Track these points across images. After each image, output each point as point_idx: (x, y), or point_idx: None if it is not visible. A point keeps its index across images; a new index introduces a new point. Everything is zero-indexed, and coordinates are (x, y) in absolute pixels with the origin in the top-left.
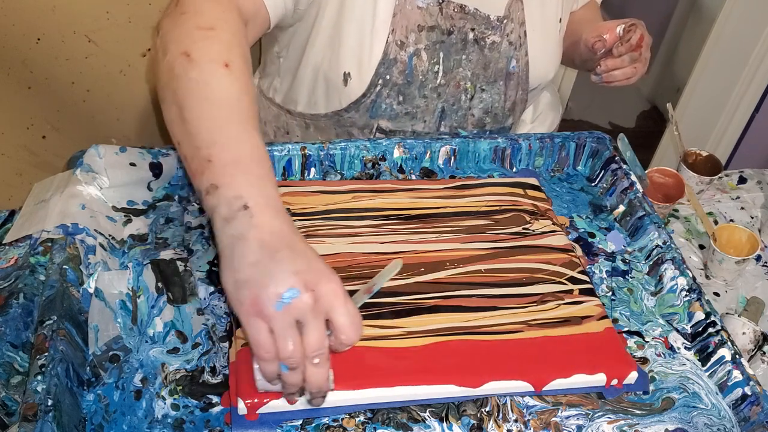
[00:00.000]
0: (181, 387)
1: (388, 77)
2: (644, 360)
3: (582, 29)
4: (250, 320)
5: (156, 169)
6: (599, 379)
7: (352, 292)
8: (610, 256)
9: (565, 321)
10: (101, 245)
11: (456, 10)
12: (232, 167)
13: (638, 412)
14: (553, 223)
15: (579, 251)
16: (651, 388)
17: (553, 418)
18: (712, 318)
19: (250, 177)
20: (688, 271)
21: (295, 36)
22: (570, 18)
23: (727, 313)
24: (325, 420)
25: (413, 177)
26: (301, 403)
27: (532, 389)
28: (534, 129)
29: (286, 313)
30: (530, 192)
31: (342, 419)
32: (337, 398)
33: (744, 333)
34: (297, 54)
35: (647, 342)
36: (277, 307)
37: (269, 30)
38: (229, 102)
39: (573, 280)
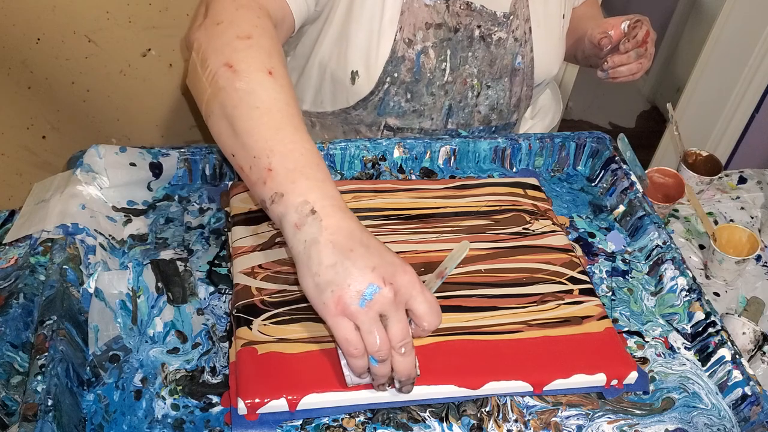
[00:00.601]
0: (181, 387)
1: (396, 75)
2: (644, 360)
3: (584, 25)
4: (337, 320)
5: (156, 169)
6: (599, 379)
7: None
8: (610, 256)
9: (565, 321)
10: (101, 245)
11: (462, 7)
12: (294, 174)
13: (638, 412)
14: (553, 223)
15: (579, 251)
16: (651, 388)
17: (553, 418)
18: (712, 318)
19: (312, 182)
20: (688, 271)
21: (304, 35)
22: (572, 14)
23: (727, 313)
24: (325, 420)
25: (413, 177)
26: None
27: (532, 389)
28: (534, 125)
29: (370, 309)
30: (530, 192)
31: (342, 419)
32: (337, 399)
33: (744, 333)
34: (305, 53)
35: (647, 342)
36: (360, 305)
37: (293, 34)
38: (279, 109)
39: (573, 280)
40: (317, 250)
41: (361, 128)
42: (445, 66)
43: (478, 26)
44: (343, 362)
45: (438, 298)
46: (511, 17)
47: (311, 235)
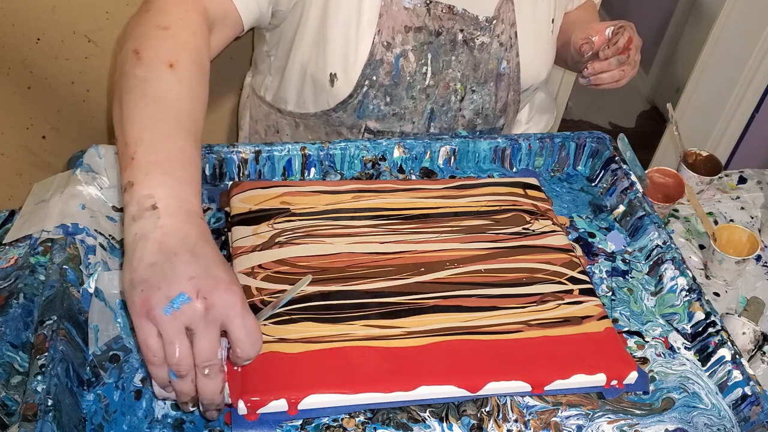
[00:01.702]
0: None
1: (374, 78)
2: (644, 360)
3: (573, 30)
4: (141, 322)
5: None
6: (599, 379)
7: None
8: (610, 256)
9: (565, 321)
10: (101, 245)
11: (444, 10)
12: (152, 167)
13: (638, 412)
14: (553, 223)
15: (579, 251)
16: (651, 388)
17: (553, 418)
18: (712, 318)
19: (167, 178)
20: (688, 271)
21: (282, 36)
22: (564, 18)
23: (727, 313)
24: (325, 420)
25: (413, 177)
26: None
27: (532, 389)
28: (529, 129)
29: (174, 319)
30: (530, 192)
31: (342, 419)
32: (337, 399)
33: (744, 333)
34: (284, 54)
35: (647, 342)
36: (165, 311)
37: (243, 33)
38: (167, 102)
39: (573, 280)
40: (143, 246)
41: (342, 130)
42: (426, 70)
43: (461, 30)
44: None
45: (438, 297)
46: (494, 21)
47: (143, 230)
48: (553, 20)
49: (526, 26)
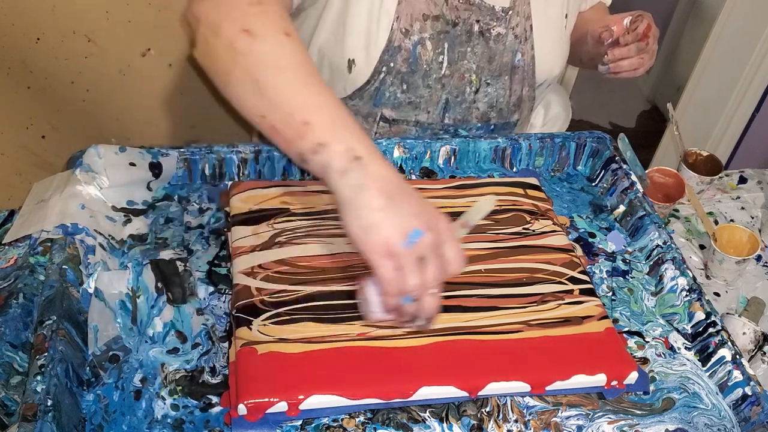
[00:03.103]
0: (180, 387)
1: (392, 65)
2: (644, 360)
3: (588, 27)
4: (381, 260)
5: (156, 169)
6: (599, 379)
7: None
8: (611, 256)
9: (566, 321)
10: (101, 245)
11: (461, 0)
12: (333, 125)
13: (638, 412)
14: (553, 223)
15: (579, 251)
16: (651, 388)
17: (553, 418)
18: (713, 318)
19: (351, 131)
20: (689, 271)
21: (305, 21)
22: (578, 17)
23: (727, 313)
24: (325, 420)
25: (413, 177)
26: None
27: (533, 389)
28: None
29: (413, 252)
30: (530, 192)
31: (342, 419)
32: (337, 399)
33: (744, 333)
34: (305, 39)
35: (647, 342)
36: (405, 246)
37: (293, 10)
38: (303, 67)
39: (573, 280)
40: (365, 194)
41: (358, 119)
42: (443, 59)
43: (477, 21)
44: (372, 299)
45: None
46: (510, 12)
47: (358, 180)
48: (566, 16)
49: (540, 20)
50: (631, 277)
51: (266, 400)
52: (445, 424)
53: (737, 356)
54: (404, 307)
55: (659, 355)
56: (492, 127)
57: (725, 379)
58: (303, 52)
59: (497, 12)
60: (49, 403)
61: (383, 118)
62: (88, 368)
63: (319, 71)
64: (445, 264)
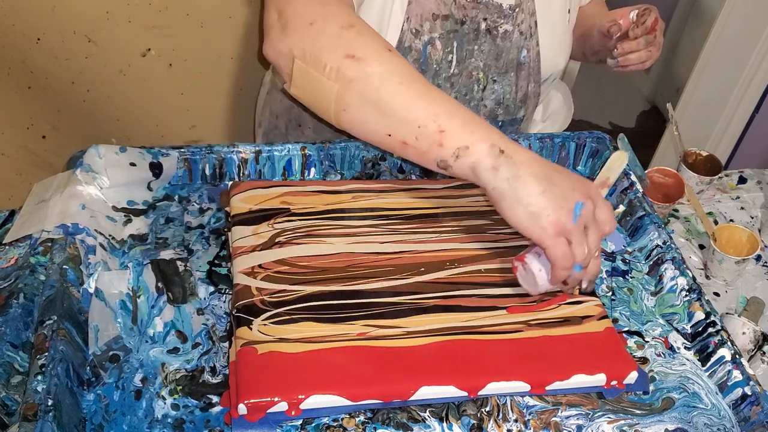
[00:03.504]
0: (181, 387)
1: None
2: (644, 360)
3: (591, 21)
4: (555, 240)
5: (156, 169)
6: (599, 379)
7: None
8: (610, 256)
9: (565, 321)
10: (101, 245)
11: None
12: (468, 126)
13: (638, 412)
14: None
15: None
16: (651, 388)
17: (553, 418)
18: (712, 318)
19: (484, 128)
20: (688, 271)
21: None
22: (579, 12)
23: (727, 313)
24: (325, 420)
25: (413, 177)
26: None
27: (532, 389)
28: (545, 128)
29: (580, 224)
30: None
31: (342, 419)
32: (337, 399)
33: (744, 333)
34: None
35: (647, 342)
36: (574, 221)
37: None
38: (417, 78)
39: None
40: (522, 184)
41: None
42: (452, 58)
43: (484, 19)
44: (538, 273)
45: (438, 297)
46: (517, 10)
47: (512, 172)
48: (569, 11)
49: (544, 16)
50: (631, 277)
51: (266, 399)
52: (445, 424)
53: (737, 356)
54: (574, 275)
55: (659, 355)
56: (500, 123)
57: (725, 378)
58: (408, 64)
59: (504, 10)
60: (49, 403)
61: None
62: (88, 368)
63: None
64: (600, 226)
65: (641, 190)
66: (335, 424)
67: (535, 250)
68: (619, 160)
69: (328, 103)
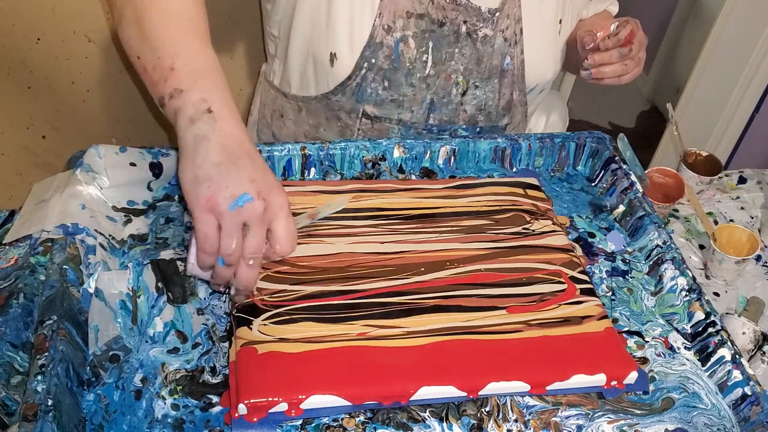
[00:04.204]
0: (181, 387)
1: (373, 61)
2: (644, 360)
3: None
4: (203, 215)
5: (156, 169)
6: (599, 379)
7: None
8: (610, 256)
9: (565, 321)
10: (101, 245)
11: (448, 0)
12: (196, 75)
13: (638, 412)
14: (553, 223)
15: (579, 251)
16: (651, 388)
17: (553, 418)
18: (712, 318)
19: (212, 85)
20: (688, 271)
21: (285, 15)
22: (579, 24)
23: (727, 313)
24: (325, 420)
25: (413, 177)
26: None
27: (532, 389)
28: None
29: (237, 215)
30: (530, 192)
31: (342, 419)
32: (337, 399)
33: (744, 333)
34: (285, 32)
35: (647, 342)
36: (230, 208)
37: None
38: (188, 17)
39: (573, 280)
40: (206, 146)
41: (341, 114)
42: (427, 58)
43: (464, 21)
44: (192, 251)
45: (438, 297)
46: (498, 14)
47: (203, 132)
48: (560, 21)
49: (532, 24)
50: (631, 277)
51: (266, 399)
52: (445, 424)
53: (737, 356)
54: (218, 269)
55: (659, 355)
56: (478, 129)
57: (725, 378)
58: (197, 6)
59: (483, 13)
60: (49, 403)
61: (365, 115)
62: (88, 368)
63: (304, 66)
64: (272, 240)
65: (641, 190)
66: (335, 424)
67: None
68: (341, 201)
69: (113, 11)
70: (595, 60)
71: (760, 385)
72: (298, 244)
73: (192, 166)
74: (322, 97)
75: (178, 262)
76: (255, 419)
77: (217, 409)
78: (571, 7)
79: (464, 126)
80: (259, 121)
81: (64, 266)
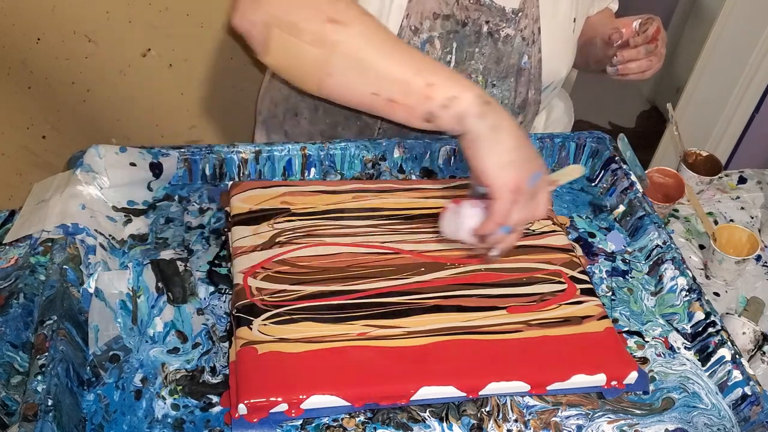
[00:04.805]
0: (181, 387)
1: None
2: (644, 360)
3: (595, 30)
4: (508, 194)
5: (156, 169)
6: (599, 379)
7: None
8: (610, 256)
9: (565, 321)
10: (101, 245)
11: (472, 1)
12: (453, 79)
13: (638, 412)
14: (553, 223)
15: (579, 251)
16: (651, 388)
17: (553, 418)
18: (712, 318)
19: (466, 81)
20: (688, 271)
21: None
22: (585, 22)
23: (727, 313)
24: (325, 420)
25: (413, 177)
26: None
27: (532, 389)
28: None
29: (531, 191)
30: None
31: (342, 419)
32: (337, 399)
33: (744, 333)
34: None
35: (647, 342)
36: (529, 185)
37: None
38: (396, 38)
39: (573, 280)
40: (501, 135)
41: (363, 114)
42: (450, 58)
43: (486, 21)
44: (465, 221)
45: (438, 297)
46: (520, 14)
47: (494, 122)
48: (575, 20)
49: (548, 22)
50: (631, 277)
51: (266, 399)
52: (445, 424)
53: (737, 356)
54: (495, 235)
55: (659, 355)
56: None
57: (725, 378)
58: (385, 26)
59: (507, 13)
60: (49, 403)
61: None
62: (88, 368)
63: None
64: (533, 207)
65: (641, 190)
66: (335, 424)
67: (471, 202)
68: (576, 171)
69: (310, 70)
70: (624, 56)
71: (760, 385)
72: (298, 244)
73: (494, 153)
74: None
75: (178, 262)
76: (255, 419)
77: (217, 409)
78: (582, 6)
79: None
80: (269, 120)
81: (64, 266)
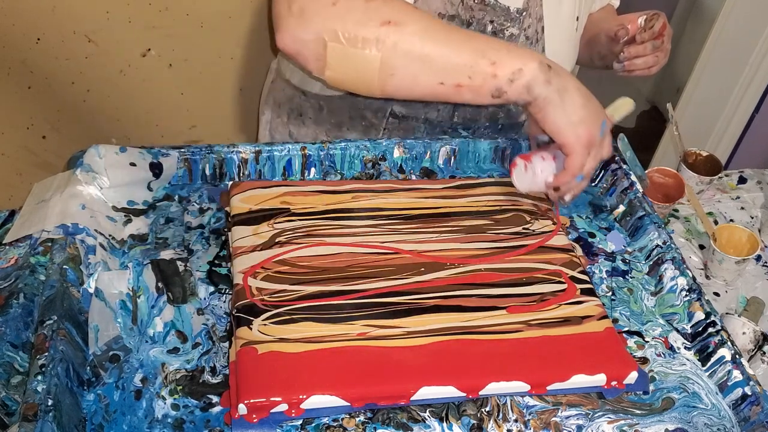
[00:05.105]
0: (181, 387)
1: None
2: (644, 360)
3: (599, 27)
4: (582, 149)
5: (156, 169)
6: (599, 379)
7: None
8: (610, 256)
9: (565, 321)
10: (101, 245)
11: (477, 1)
12: (513, 53)
13: (638, 412)
14: (553, 223)
15: (579, 251)
16: (651, 388)
17: (553, 418)
18: (712, 318)
19: (525, 51)
20: (688, 271)
21: None
22: (588, 19)
23: (727, 313)
24: (325, 420)
25: (413, 177)
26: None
27: (532, 389)
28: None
29: (603, 139)
30: None
31: (342, 419)
32: (337, 399)
33: (744, 333)
34: None
35: (647, 342)
36: (601, 135)
37: None
38: (446, 25)
39: (573, 280)
40: (570, 95)
41: (367, 114)
42: None
43: (491, 21)
44: (540, 174)
45: (438, 297)
46: (524, 14)
47: (561, 84)
48: (577, 18)
49: (552, 21)
50: (631, 277)
51: (266, 399)
52: (445, 424)
53: (737, 356)
54: (572, 184)
55: (659, 355)
56: (500, 126)
57: (725, 378)
58: (432, 16)
59: (512, 13)
60: (49, 403)
61: (393, 114)
62: (88, 368)
63: None
64: (602, 151)
65: (641, 190)
66: (335, 424)
67: (541, 155)
68: (628, 104)
69: (372, 74)
70: (630, 53)
71: (760, 385)
72: (298, 244)
73: (565, 114)
74: (347, 96)
75: (178, 262)
76: (255, 419)
77: (217, 409)
78: (585, 4)
79: (486, 123)
80: (273, 121)
81: (64, 266)
